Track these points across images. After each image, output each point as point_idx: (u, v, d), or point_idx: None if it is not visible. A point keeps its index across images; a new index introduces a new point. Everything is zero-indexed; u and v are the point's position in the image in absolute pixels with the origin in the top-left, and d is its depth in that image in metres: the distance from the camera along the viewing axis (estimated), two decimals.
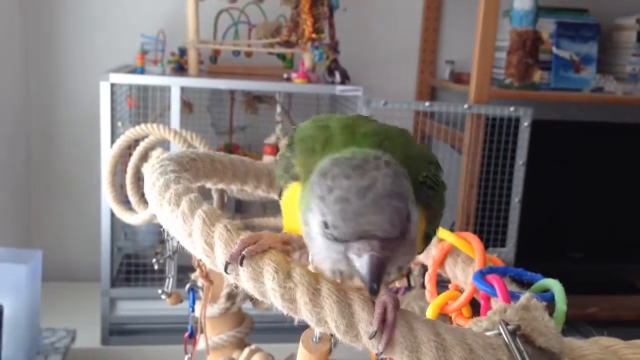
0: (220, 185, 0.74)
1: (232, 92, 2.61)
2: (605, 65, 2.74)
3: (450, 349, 0.49)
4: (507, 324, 0.55)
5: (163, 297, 1.33)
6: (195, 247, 0.51)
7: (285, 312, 0.49)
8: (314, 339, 0.60)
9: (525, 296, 0.59)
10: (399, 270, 0.48)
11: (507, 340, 0.52)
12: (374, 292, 0.46)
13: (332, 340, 0.62)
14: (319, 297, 0.48)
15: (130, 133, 1.33)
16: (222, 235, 0.50)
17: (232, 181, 0.73)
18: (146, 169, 0.60)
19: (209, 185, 0.72)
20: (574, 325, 2.47)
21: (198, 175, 0.66)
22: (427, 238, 0.55)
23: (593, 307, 2.55)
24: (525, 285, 0.75)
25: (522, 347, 0.52)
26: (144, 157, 1.37)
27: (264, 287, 0.48)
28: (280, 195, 0.58)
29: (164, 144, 1.72)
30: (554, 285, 0.70)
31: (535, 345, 0.55)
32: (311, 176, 0.49)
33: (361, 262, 0.45)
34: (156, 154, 1.34)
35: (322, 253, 0.48)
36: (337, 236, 0.46)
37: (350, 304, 0.48)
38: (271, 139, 2.41)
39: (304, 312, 0.48)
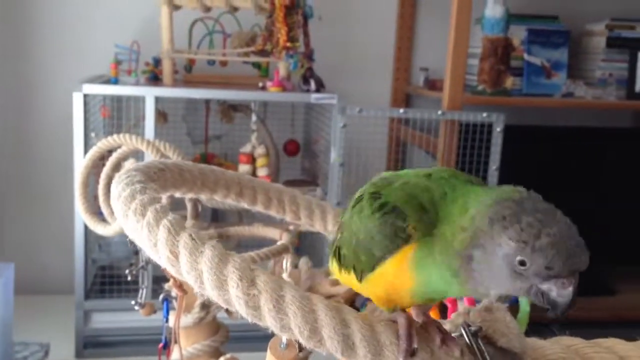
0: (190, 195, 0.74)
1: (207, 102, 2.61)
2: (576, 70, 2.78)
3: (417, 355, 0.51)
4: (469, 326, 0.56)
5: (136, 308, 1.33)
6: (161, 257, 0.51)
7: (250, 320, 0.49)
8: (282, 346, 0.61)
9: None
10: None
11: (468, 341, 0.54)
12: (565, 317, 0.54)
13: (307, 350, 0.63)
14: (282, 303, 0.49)
15: (102, 144, 1.32)
16: (187, 245, 0.50)
17: (202, 190, 0.74)
18: (114, 180, 0.60)
19: (178, 194, 0.72)
20: (549, 327, 2.50)
21: (166, 185, 0.66)
22: None
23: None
24: None
25: (483, 348, 0.54)
26: (117, 167, 1.37)
27: (228, 294, 0.49)
28: (373, 265, 0.57)
29: (137, 155, 1.72)
30: None
31: (497, 345, 0.57)
32: (460, 225, 0.54)
33: (564, 293, 0.53)
34: (129, 165, 1.34)
35: (503, 287, 0.54)
36: (551, 273, 0.52)
37: (314, 310, 0.49)
38: (247, 148, 2.41)
39: (268, 319, 0.49)
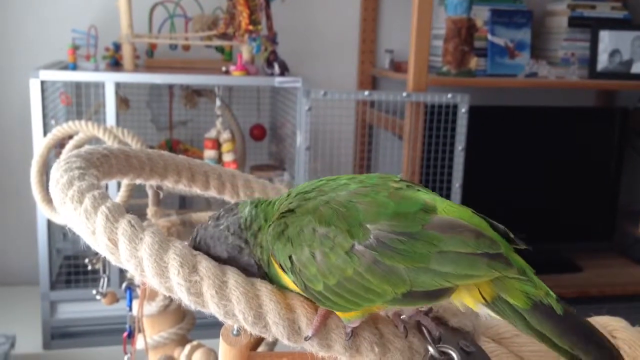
0: (139, 181, 0.72)
1: (170, 87, 2.57)
2: (539, 50, 2.80)
3: (360, 334, 0.50)
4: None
5: (98, 297, 1.31)
6: (100, 245, 0.50)
7: (193, 307, 0.48)
8: (234, 332, 0.60)
9: None
10: None
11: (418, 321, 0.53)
12: None
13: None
14: (225, 289, 0.48)
15: (58, 131, 1.29)
16: (126, 232, 0.49)
17: (151, 176, 0.72)
18: (53, 166, 0.58)
19: (126, 181, 0.70)
20: None
21: (111, 171, 0.64)
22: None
23: None
24: None
25: (434, 328, 0.53)
26: None
27: (170, 282, 0.48)
28: None
29: (99, 142, 1.68)
30: None
31: (449, 325, 0.56)
32: None
33: None
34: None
35: None
36: None
37: (258, 295, 0.48)
38: (212, 133, 2.38)
39: (211, 306, 0.48)
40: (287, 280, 0.51)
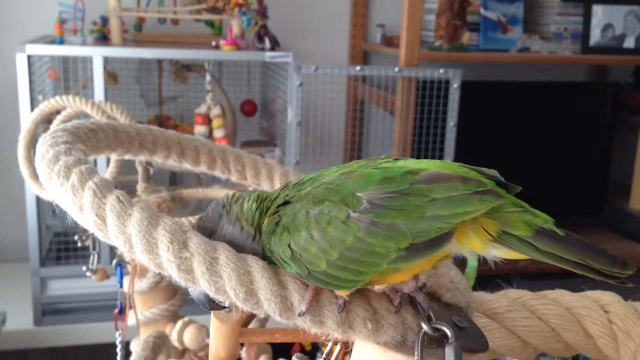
0: (128, 156, 0.71)
1: (159, 62, 2.53)
2: (531, 25, 2.78)
3: (353, 310, 0.49)
4: None
5: (88, 274, 1.30)
6: (87, 221, 0.49)
7: (183, 284, 0.47)
8: (225, 309, 0.59)
9: None
10: None
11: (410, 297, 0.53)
12: None
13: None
14: (216, 265, 0.47)
15: (45, 106, 1.27)
16: (114, 207, 0.48)
17: (140, 151, 0.71)
18: (39, 141, 0.57)
19: (114, 156, 0.69)
20: (506, 280, 2.54)
21: (99, 146, 0.63)
22: None
23: (523, 261, 2.63)
24: None
25: (427, 304, 0.53)
26: None
27: (160, 258, 0.47)
28: None
29: (86, 117, 1.66)
30: None
31: (442, 301, 0.56)
32: None
33: None
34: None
35: None
36: None
37: (249, 271, 0.47)
38: (202, 109, 2.36)
39: (202, 282, 0.47)
40: None
